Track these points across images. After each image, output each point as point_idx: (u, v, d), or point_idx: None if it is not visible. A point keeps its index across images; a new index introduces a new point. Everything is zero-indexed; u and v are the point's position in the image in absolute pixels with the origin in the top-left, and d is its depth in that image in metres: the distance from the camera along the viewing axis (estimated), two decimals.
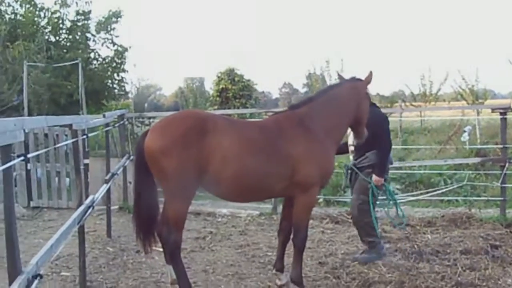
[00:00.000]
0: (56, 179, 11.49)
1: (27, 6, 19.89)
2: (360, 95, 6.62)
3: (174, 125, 5.72)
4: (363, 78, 6.78)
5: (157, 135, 5.65)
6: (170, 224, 5.79)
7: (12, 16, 19.90)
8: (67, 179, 11.43)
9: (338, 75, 7.39)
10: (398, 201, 8.39)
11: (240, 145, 5.73)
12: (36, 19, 19.87)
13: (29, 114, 14.88)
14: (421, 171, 12.78)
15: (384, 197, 8.09)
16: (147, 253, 6.25)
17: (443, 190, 11.45)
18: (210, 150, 5.55)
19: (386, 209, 8.40)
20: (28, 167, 11.23)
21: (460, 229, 9.03)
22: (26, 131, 3.95)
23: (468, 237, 8.42)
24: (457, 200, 11.29)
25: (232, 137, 5.71)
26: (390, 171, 12.37)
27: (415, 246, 8.06)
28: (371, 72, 6.72)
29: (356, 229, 7.88)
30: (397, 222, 8.56)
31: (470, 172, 12.52)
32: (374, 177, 7.40)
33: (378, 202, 7.93)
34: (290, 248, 6.68)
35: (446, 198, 11.30)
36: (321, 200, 11.20)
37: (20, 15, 19.90)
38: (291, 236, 6.51)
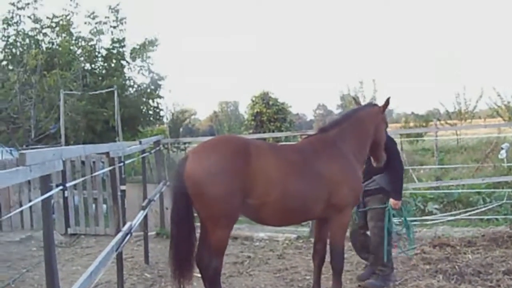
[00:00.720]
0: (93, 205, 11.57)
1: (64, 35, 20.28)
2: (378, 120, 6.83)
3: (216, 150, 5.66)
4: (379, 104, 7.02)
5: (199, 160, 5.54)
6: (212, 250, 5.69)
7: (49, 46, 20.29)
8: (104, 206, 11.51)
9: (354, 100, 7.56)
10: (411, 225, 8.26)
11: (282, 169, 5.73)
12: (72, 47, 20.24)
13: (66, 142, 15.09)
14: (459, 190, 12.61)
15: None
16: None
17: (483, 209, 11.29)
18: (254, 175, 5.52)
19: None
20: (66, 194, 11.33)
21: (502, 249, 8.84)
22: (64, 159, 3.98)
23: (510, 257, 8.24)
24: (497, 219, 11.09)
25: (274, 161, 5.72)
26: (428, 191, 12.31)
27: (456, 266, 7.90)
28: (388, 98, 6.93)
29: (371, 256, 7.71)
30: (407, 248, 8.42)
31: (510, 190, 12.30)
32: (391, 200, 7.31)
33: (395, 227, 7.85)
34: (329, 271, 6.64)
35: (486, 217, 11.12)
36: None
37: (57, 45, 20.27)
38: (327, 259, 6.50)
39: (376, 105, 7.17)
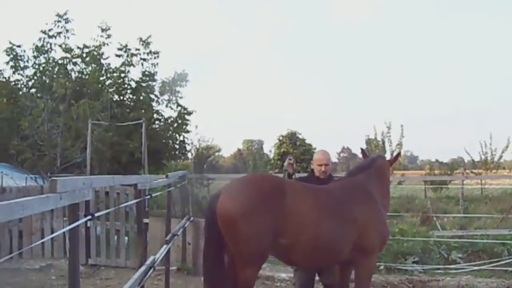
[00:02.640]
0: (115, 237, 11.55)
1: (94, 65, 20.55)
2: (389, 172, 6.97)
3: (250, 187, 5.63)
4: (388, 157, 7.19)
5: (233, 197, 5.50)
6: None
7: (79, 75, 20.57)
8: (126, 238, 11.49)
9: (362, 150, 7.60)
10: None
11: (316, 210, 5.70)
12: (101, 78, 20.49)
13: (91, 172, 15.17)
14: (484, 240, 12.45)
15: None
16: None
17: (507, 261, 11.12)
18: (288, 215, 5.48)
19: None
20: (88, 225, 11.34)
21: None
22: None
23: None
24: None
25: (309, 202, 5.69)
26: (452, 239, 12.17)
27: None
28: (399, 154, 7.50)
29: None
30: None
31: None
32: None
33: None
34: None
35: (510, 269, 10.95)
36: (382, 267, 10.98)
37: (86, 74, 20.54)
38: None
39: (384, 157, 7.42)
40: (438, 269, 10.96)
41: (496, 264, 10.94)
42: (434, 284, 9.97)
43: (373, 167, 6.64)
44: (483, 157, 31.19)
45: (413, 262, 11.38)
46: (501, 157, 30.98)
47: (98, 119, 17.08)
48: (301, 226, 5.54)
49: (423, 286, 9.78)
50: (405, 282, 9.90)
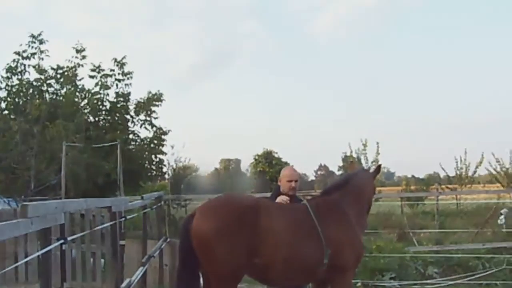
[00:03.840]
0: (91, 260, 11.45)
1: (68, 86, 20.43)
2: (371, 186, 6.93)
3: (225, 207, 5.65)
4: (371, 170, 7.40)
5: (208, 217, 5.51)
6: None
7: (53, 96, 20.42)
8: (102, 260, 11.40)
9: (351, 163, 7.75)
10: None
11: (290, 230, 5.73)
12: (76, 99, 20.36)
13: (66, 193, 15.05)
14: (459, 255, 12.57)
15: None
16: None
17: (482, 274, 11.24)
18: (262, 235, 5.49)
19: None
20: (63, 248, 11.22)
21: None
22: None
23: None
24: (496, 284, 11.06)
25: (283, 222, 5.72)
26: (428, 254, 12.30)
27: None
28: (379, 165, 7.26)
29: None
30: None
31: (509, 255, 12.27)
32: None
33: None
34: None
35: (485, 282, 11.08)
36: (359, 284, 11.04)
37: (61, 95, 20.40)
38: None
39: (368, 171, 7.51)
40: (415, 284, 11.05)
41: (471, 278, 11.05)
42: None
43: (350, 184, 6.62)
44: (458, 172, 31.47)
45: (390, 278, 11.46)
46: (475, 172, 31.28)
47: (73, 140, 16.94)
48: (275, 246, 5.55)
49: None
50: None
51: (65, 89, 20.58)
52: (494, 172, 27.63)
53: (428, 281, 11.22)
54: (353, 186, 6.61)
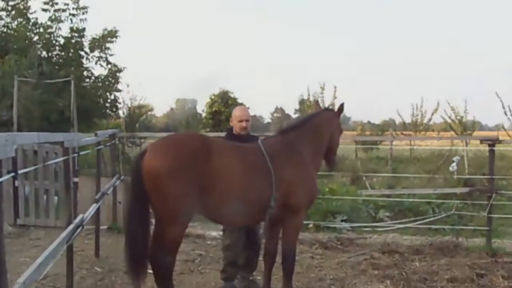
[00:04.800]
0: (45, 197, 11.36)
1: (20, 20, 19.86)
2: (333, 126, 6.92)
3: (177, 146, 5.61)
4: (335, 109, 7.22)
5: (160, 155, 5.45)
6: (165, 248, 5.62)
7: (4, 30, 19.86)
8: (56, 197, 11.31)
9: (316, 103, 7.70)
10: None
11: (243, 169, 5.74)
12: (28, 33, 19.83)
13: (19, 130, 14.73)
14: (410, 199, 12.78)
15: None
16: (137, 286, 5.86)
17: (432, 219, 11.46)
18: (214, 174, 5.48)
19: None
20: (16, 184, 11.10)
21: (447, 258, 9.07)
22: (16, 147, 3.87)
23: (455, 266, 8.46)
24: (444, 229, 11.29)
25: (235, 161, 5.72)
26: (380, 198, 12.49)
27: (403, 273, 8.07)
28: (342, 104, 7.06)
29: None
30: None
31: (458, 201, 12.53)
32: None
33: None
34: (279, 273, 6.69)
35: (434, 227, 11.29)
36: (311, 225, 11.17)
37: (12, 29, 19.85)
38: (277, 259, 6.56)
39: (331, 110, 7.36)
40: (366, 227, 11.23)
41: (421, 222, 11.25)
42: (362, 242, 10.24)
43: (308, 124, 6.67)
44: (413, 119, 31.87)
45: (342, 221, 11.62)
46: (430, 119, 31.72)
47: (26, 76, 16.55)
48: (227, 184, 5.57)
49: (350, 243, 10.02)
50: (333, 240, 10.13)
51: (16, 23, 20.01)
52: (449, 120, 27.99)
53: (379, 224, 11.41)
54: (311, 125, 6.64)
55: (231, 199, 5.64)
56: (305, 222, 9.64)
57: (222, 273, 7.24)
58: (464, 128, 27.12)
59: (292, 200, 6.06)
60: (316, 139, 6.62)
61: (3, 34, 19.57)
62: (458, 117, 27.42)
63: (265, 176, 5.89)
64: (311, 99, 29.66)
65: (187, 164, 5.40)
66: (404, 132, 31.33)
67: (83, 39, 20.88)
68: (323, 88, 29.22)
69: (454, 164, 17.57)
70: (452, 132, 27.61)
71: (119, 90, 21.92)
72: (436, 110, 30.70)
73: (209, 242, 10.11)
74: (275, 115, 79.26)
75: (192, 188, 5.40)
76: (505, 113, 23.58)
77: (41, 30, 20.06)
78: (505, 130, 24.88)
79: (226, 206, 5.67)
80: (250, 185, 5.78)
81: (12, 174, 4.34)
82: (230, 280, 7.15)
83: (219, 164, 5.53)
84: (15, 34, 19.51)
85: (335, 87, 29.15)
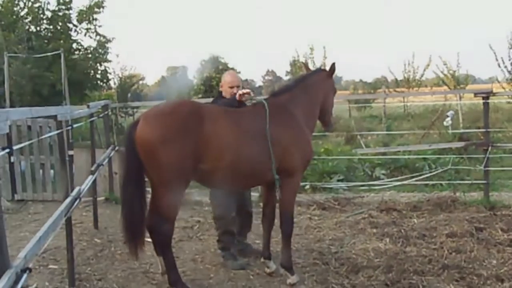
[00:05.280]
0: (41, 171, 11.36)
1: None
2: (327, 86, 6.86)
3: (170, 113, 5.61)
4: (327, 69, 7.02)
5: (152, 124, 5.48)
6: (163, 215, 5.66)
7: None
8: (52, 171, 11.31)
9: (305, 65, 7.62)
10: None
11: (236, 133, 5.74)
12: (15, 8, 19.61)
13: (11, 106, 14.67)
14: (406, 156, 12.82)
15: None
16: (136, 255, 5.92)
17: (428, 175, 11.51)
18: (207, 139, 5.50)
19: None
20: (12, 160, 11.09)
21: (445, 213, 9.14)
22: (10, 123, 3.85)
23: (453, 221, 8.52)
24: (441, 184, 11.33)
25: (228, 125, 5.72)
26: (375, 156, 12.51)
27: (402, 230, 8.14)
28: (333, 64, 6.90)
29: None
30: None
31: (454, 156, 12.58)
32: None
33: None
34: (278, 235, 6.73)
35: (431, 183, 11.34)
36: (307, 186, 11.20)
37: None
38: (276, 222, 6.64)
39: (324, 70, 7.22)
40: (363, 186, 11.29)
41: (418, 178, 11.31)
42: (359, 201, 10.30)
43: (300, 85, 6.63)
44: (405, 75, 31.84)
45: (338, 180, 11.67)
46: (422, 75, 31.71)
47: (15, 51, 16.43)
48: (220, 150, 5.59)
49: (348, 203, 10.08)
50: (330, 200, 10.18)
51: None
52: (441, 75, 27.95)
53: (375, 182, 11.45)
54: (303, 87, 6.61)
55: (225, 164, 5.65)
56: (301, 183, 9.66)
57: (219, 242, 7.24)
58: (457, 82, 27.10)
59: (288, 162, 6.07)
60: (310, 100, 6.59)
61: None
62: (451, 71, 27.39)
63: (259, 140, 5.90)
64: (302, 60, 29.54)
65: (180, 131, 5.41)
66: (397, 89, 31.30)
67: (70, 11, 20.64)
68: (312, 49, 29.11)
69: (448, 118, 17.55)
70: (445, 87, 27.60)
71: (109, 61, 21.73)
72: (428, 65, 30.74)
73: (206, 208, 10.08)
74: (266, 77, 78.89)
75: (186, 155, 5.42)
76: (499, 65, 23.59)
77: (28, 4, 19.79)
78: (499, 82, 24.89)
79: (221, 171, 5.68)
80: (244, 149, 5.78)
81: (7, 150, 4.32)
82: (227, 249, 7.12)
83: (211, 130, 5.54)
84: (2, 10, 19.28)
85: (324, 47, 29.06)
